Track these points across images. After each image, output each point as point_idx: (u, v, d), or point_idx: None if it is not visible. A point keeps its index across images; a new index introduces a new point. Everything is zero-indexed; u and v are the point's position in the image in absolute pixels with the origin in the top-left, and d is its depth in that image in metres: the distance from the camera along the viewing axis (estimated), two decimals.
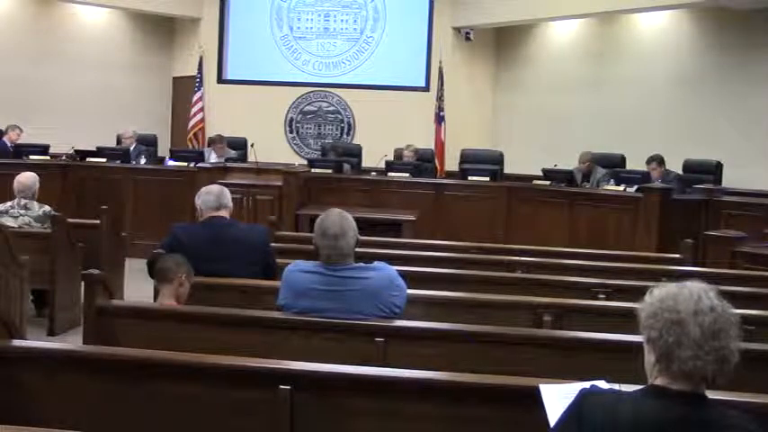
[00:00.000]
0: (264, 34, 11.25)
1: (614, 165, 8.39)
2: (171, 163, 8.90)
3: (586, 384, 1.87)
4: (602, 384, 1.95)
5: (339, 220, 3.06)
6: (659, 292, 1.71)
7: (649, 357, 1.71)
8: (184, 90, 11.46)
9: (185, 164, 8.57)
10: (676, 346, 1.64)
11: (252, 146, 9.01)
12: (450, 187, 8.57)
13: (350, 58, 11.15)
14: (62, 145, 9.00)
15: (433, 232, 7.64)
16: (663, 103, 9.22)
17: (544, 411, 2.07)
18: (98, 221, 5.96)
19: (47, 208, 5.67)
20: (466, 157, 9.44)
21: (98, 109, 10.77)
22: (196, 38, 11.35)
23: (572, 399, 1.79)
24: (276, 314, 3.09)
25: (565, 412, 1.80)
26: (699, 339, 1.62)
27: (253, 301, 3.46)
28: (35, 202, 5.65)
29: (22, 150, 8.57)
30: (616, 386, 1.96)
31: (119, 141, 9.50)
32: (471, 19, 10.68)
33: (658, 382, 1.69)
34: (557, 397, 2.08)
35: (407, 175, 8.58)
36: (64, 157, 8.78)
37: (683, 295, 1.67)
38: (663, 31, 9.39)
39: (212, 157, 9.09)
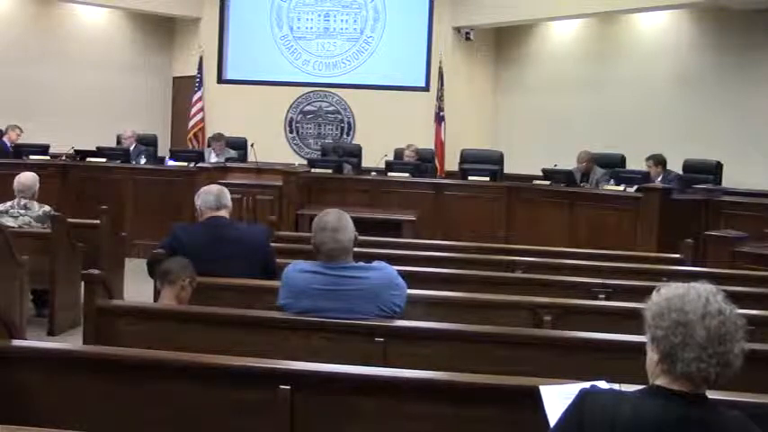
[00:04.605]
0: (264, 34, 11.25)
1: (614, 165, 8.38)
2: (171, 163, 8.91)
3: (586, 384, 1.87)
4: (603, 384, 1.95)
5: (338, 214, 3.10)
6: (667, 291, 1.70)
7: (652, 356, 1.71)
8: (184, 90, 11.46)
9: (185, 164, 8.57)
10: (681, 347, 1.63)
11: (252, 146, 9.01)
12: (450, 187, 8.57)
13: (350, 57, 11.15)
14: (62, 145, 9.00)
15: (433, 232, 7.65)
16: (663, 103, 9.22)
17: (544, 411, 2.07)
18: (98, 221, 5.95)
19: (47, 208, 5.67)
20: (466, 157, 9.43)
21: (98, 109, 10.76)
22: (196, 38, 11.35)
23: (572, 399, 1.79)
24: (276, 314, 3.09)
25: (565, 412, 1.79)
26: (704, 342, 1.61)
27: (253, 301, 3.45)
28: (35, 202, 5.65)
29: (22, 150, 8.58)
30: (616, 386, 1.96)
31: (119, 141, 9.51)
32: (471, 19, 10.67)
33: (659, 381, 1.69)
34: (557, 397, 2.08)
35: (407, 175, 8.58)
36: (64, 157, 8.78)
37: (691, 296, 1.66)
38: (663, 31, 9.38)
39: (212, 157, 9.09)
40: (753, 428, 1.66)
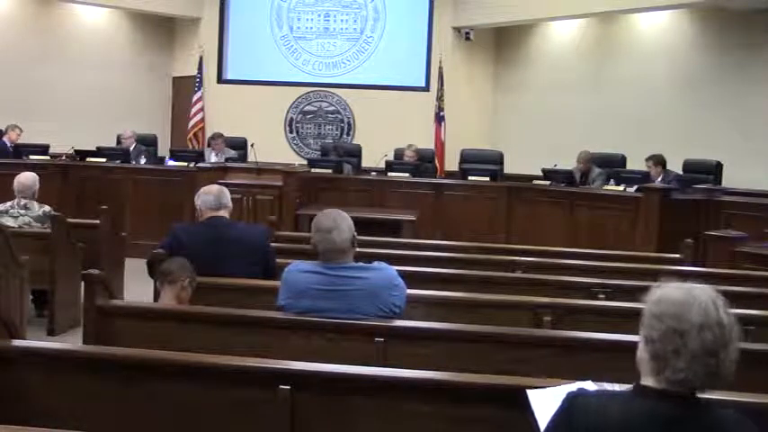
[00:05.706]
0: (264, 34, 11.25)
1: (614, 165, 8.39)
2: (171, 163, 8.91)
3: (573, 387, 1.86)
4: (589, 385, 1.94)
5: (333, 215, 3.09)
6: (670, 294, 1.67)
7: (643, 354, 1.70)
8: (184, 90, 11.46)
9: (185, 164, 8.57)
10: (672, 354, 1.62)
11: (252, 146, 9.01)
12: (450, 187, 8.57)
13: (350, 57, 11.15)
14: (62, 145, 9.00)
15: (433, 232, 7.65)
16: (663, 103, 9.22)
17: (533, 416, 2.05)
18: (98, 221, 5.96)
19: (47, 208, 5.67)
20: (466, 157, 9.44)
21: (98, 109, 10.76)
22: (196, 38, 11.35)
23: (559, 402, 1.78)
24: (276, 314, 3.09)
25: (553, 417, 1.78)
26: (697, 353, 1.60)
27: (253, 301, 3.45)
28: (35, 202, 5.64)
29: (22, 150, 8.58)
30: (606, 386, 1.96)
31: (119, 141, 9.51)
32: (471, 19, 10.68)
33: (649, 381, 1.68)
34: (545, 401, 2.07)
35: (407, 175, 8.58)
36: (64, 157, 8.78)
37: (692, 304, 1.63)
38: (663, 31, 9.38)
39: (212, 157, 9.09)
40: (748, 425, 1.65)
